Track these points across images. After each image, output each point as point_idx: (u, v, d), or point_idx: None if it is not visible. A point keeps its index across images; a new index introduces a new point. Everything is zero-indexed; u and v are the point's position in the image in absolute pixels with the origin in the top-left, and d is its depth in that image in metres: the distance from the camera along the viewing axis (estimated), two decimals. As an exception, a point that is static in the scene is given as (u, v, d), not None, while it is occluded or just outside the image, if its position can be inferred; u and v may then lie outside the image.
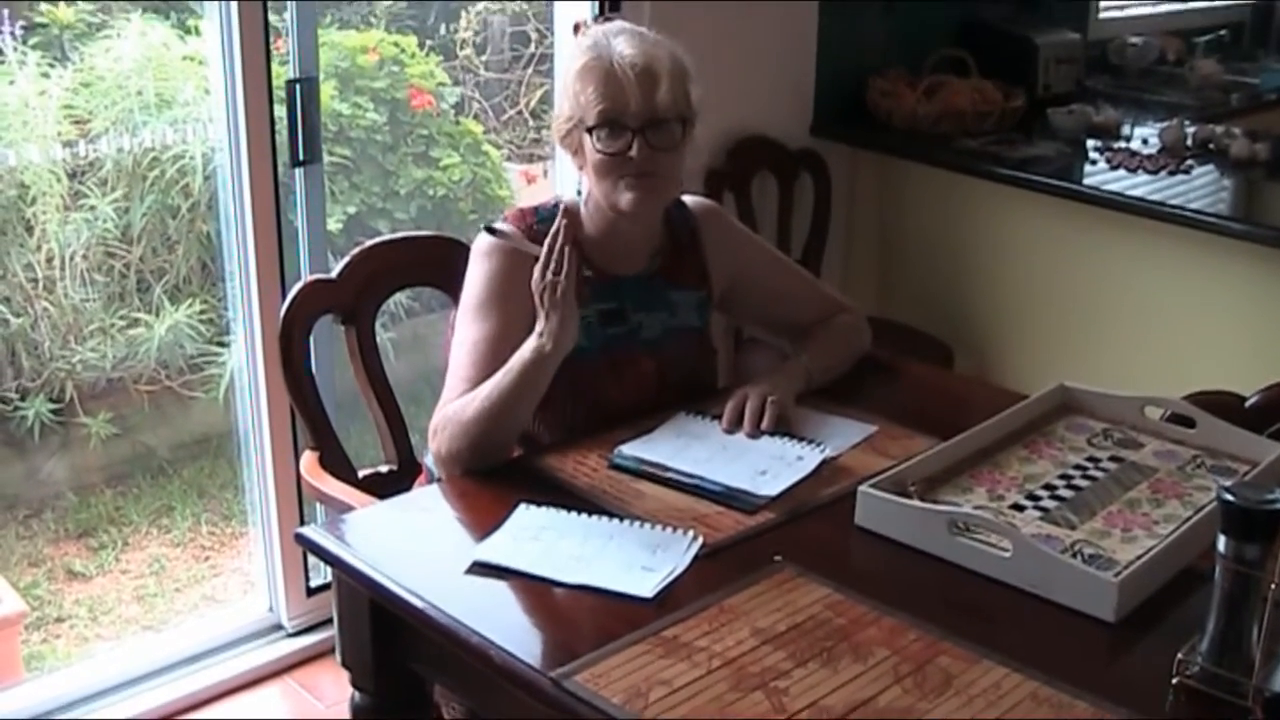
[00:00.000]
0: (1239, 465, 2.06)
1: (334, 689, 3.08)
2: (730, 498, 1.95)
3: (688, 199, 2.35)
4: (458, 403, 2.07)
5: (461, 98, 4.89)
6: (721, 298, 2.40)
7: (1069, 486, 1.98)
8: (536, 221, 2.22)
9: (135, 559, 3.91)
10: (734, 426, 2.16)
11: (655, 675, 1.53)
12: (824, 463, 2.05)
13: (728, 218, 2.47)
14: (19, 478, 4.01)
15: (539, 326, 2.03)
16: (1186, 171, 3.57)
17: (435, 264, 2.48)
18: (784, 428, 2.16)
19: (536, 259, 2.06)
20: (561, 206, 2.23)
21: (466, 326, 2.16)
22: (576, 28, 2.23)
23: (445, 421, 2.07)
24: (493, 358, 2.09)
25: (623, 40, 2.13)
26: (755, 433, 2.14)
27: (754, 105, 3.74)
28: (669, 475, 2.01)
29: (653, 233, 2.28)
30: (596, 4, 3.48)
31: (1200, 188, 3.50)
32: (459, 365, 2.13)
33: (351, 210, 4.36)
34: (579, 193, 2.24)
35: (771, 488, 1.97)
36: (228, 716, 3.05)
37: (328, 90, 4.15)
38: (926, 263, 3.99)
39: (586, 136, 2.12)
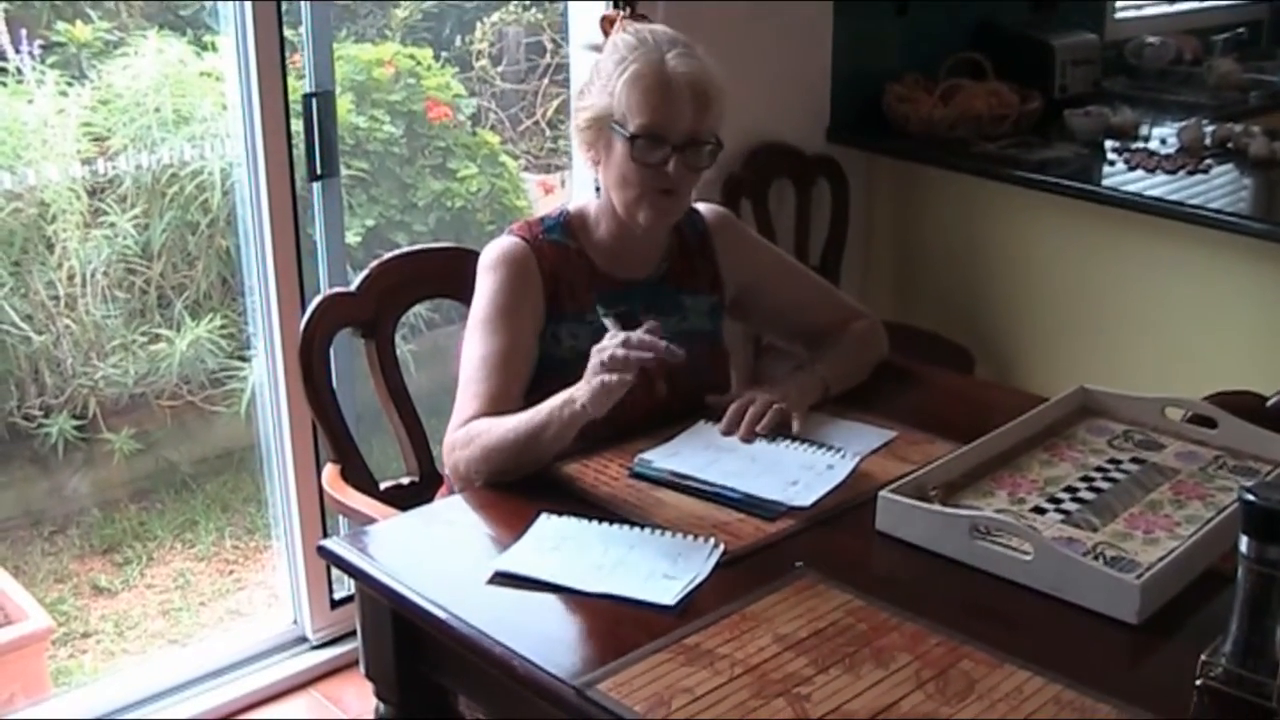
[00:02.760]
0: (1261, 466, 2.05)
1: (358, 701, 3.09)
2: (750, 505, 1.95)
3: (699, 205, 2.36)
4: (482, 423, 2.06)
5: (478, 109, 4.90)
6: (734, 304, 2.41)
7: (1090, 489, 1.97)
8: (543, 231, 2.23)
9: (160, 574, 3.93)
10: (731, 429, 2.16)
11: (678, 683, 1.53)
12: (854, 470, 2.04)
13: (740, 225, 2.47)
14: (44, 494, 4.04)
15: (582, 385, 1.95)
16: (1205, 171, 3.55)
17: (454, 275, 2.48)
18: (784, 432, 2.15)
19: (543, 271, 2.10)
20: (564, 217, 2.25)
21: (475, 341, 2.16)
22: (610, 21, 2.21)
23: (467, 438, 2.06)
24: (503, 371, 2.10)
25: (678, 54, 2.10)
26: (750, 437, 2.13)
27: (770, 112, 3.74)
28: (689, 483, 2.01)
29: (662, 238, 2.29)
30: (611, 7, 3.48)
31: (1219, 187, 3.48)
32: (469, 380, 2.13)
33: (370, 223, 4.38)
34: (597, 190, 2.23)
35: (805, 498, 1.96)
36: (253, 729, 3.07)
37: (344, 104, 4.17)
38: (945, 267, 3.98)
39: (618, 139, 2.11)
